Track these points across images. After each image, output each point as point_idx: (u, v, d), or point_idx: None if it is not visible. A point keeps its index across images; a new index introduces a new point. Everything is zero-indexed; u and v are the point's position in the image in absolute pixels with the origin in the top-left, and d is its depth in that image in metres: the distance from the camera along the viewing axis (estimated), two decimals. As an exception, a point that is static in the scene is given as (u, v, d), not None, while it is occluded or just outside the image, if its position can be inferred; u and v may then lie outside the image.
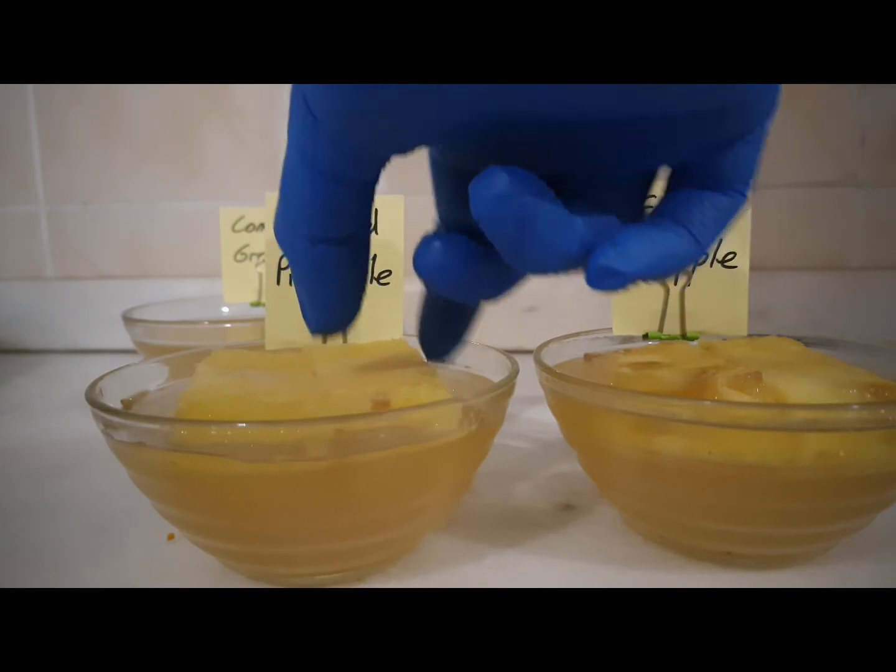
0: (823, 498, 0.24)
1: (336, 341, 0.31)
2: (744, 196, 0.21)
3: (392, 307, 0.33)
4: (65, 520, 0.32)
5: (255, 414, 0.23)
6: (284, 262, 0.31)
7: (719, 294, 0.32)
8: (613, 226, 0.19)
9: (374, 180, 0.21)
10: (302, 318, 0.23)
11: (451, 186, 0.23)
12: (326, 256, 0.22)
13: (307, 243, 0.22)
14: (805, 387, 0.25)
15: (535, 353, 0.31)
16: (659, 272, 0.19)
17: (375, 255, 0.31)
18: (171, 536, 0.30)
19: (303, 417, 0.22)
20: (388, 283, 0.31)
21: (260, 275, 0.49)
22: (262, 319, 0.36)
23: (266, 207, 0.29)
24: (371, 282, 0.33)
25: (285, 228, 0.22)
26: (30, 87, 0.67)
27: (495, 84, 0.16)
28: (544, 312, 0.64)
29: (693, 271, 0.32)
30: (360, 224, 0.22)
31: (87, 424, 0.26)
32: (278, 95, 0.65)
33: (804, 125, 0.60)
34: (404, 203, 0.31)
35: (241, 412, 0.23)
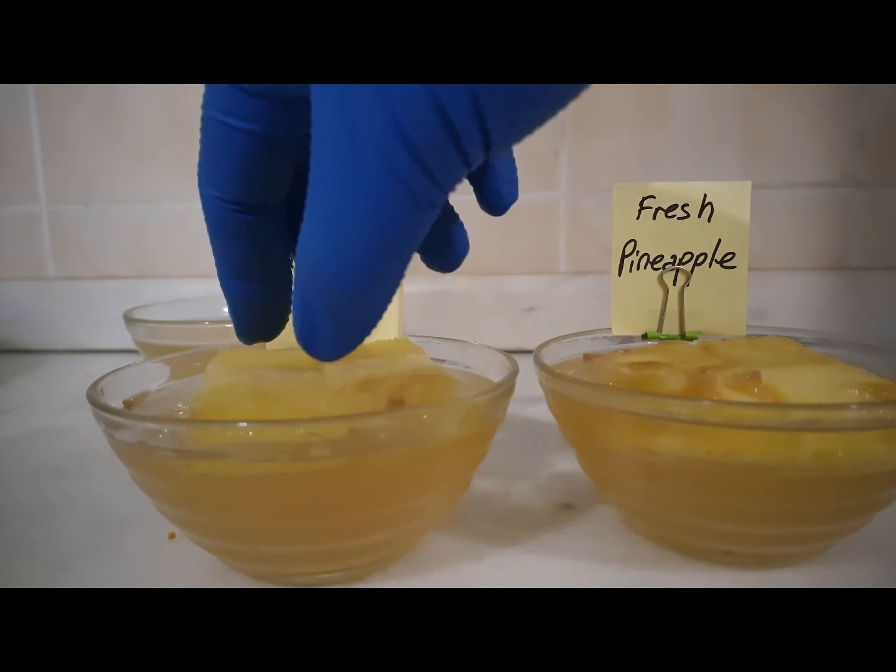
0: (822, 497, 0.24)
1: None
2: None
3: (392, 307, 0.33)
4: (65, 519, 0.32)
5: (271, 413, 0.23)
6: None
7: (718, 294, 0.32)
8: None
9: (282, 135, 0.20)
10: None
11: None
12: (226, 222, 0.21)
13: (209, 200, 0.21)
14: (804, 386, 0.25)
15: (535, 353, 0.31)
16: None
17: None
18: (172, 536, 0.30)
19: (319, 417, 0.22)
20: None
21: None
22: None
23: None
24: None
25: (200, 178, 0.21)
26: (30, 87, 0.67)
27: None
28: (544, 312, 0.64)
29: (692, 271, 0.32)
30: (265, 193, 0.21)
31: (87, 424, 0.26)
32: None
33: (803, 125, 0.60)
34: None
35: (256, 411, 0.23)
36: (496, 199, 0.25)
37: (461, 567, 0.27)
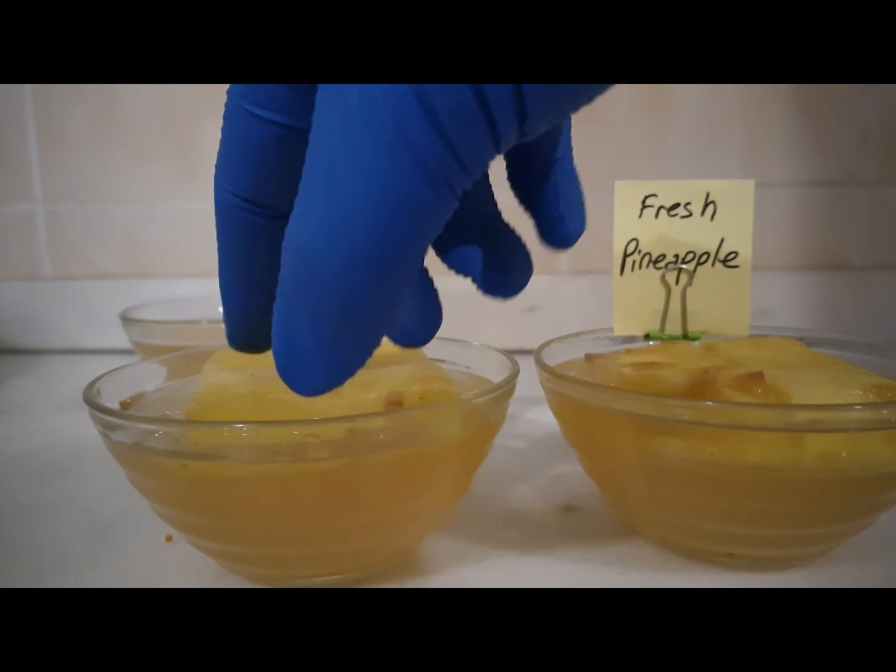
0: (826, 499, 0.24)
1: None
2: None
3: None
4: (63, 520, 0.32)
5: (269, 414, 0.23)
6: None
7: (721, 294, 0.32)
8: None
9: (304, 128, 0.18)
10: None
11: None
12: (235, 219, 0.20)
13: (222, 193, 0.20)
14: (807, 387, 0.25)
15: (536, 354, 0.31)
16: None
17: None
18: (169, 538, 0.30)
19: (317, 417, 0.22)
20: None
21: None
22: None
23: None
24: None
25: (216, 170, 0.20)
26: (28, 87, 0.67)
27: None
28: (545, 312, 0.64)
29: (695, 271, 0.32)
30: (280, 194, 0.19)
31: (85, 425, 0.26)
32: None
33: (806, 124, 0.60)
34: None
35: (254, 412, 0.23)
36: (557, 225, 0.20)
37: (461, 569, 0.27)
